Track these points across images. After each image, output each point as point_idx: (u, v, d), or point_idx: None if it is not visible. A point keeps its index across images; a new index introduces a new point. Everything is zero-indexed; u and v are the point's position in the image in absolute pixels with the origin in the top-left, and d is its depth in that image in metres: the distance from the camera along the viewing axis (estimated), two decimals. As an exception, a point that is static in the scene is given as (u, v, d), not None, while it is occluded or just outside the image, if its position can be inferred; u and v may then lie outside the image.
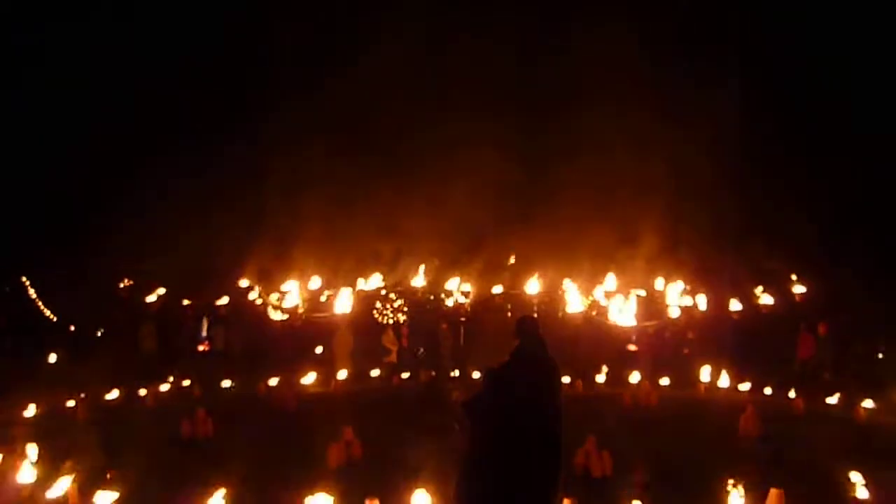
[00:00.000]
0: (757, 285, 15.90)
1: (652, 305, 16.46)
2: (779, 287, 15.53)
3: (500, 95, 20.20)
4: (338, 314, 16.26)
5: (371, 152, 20.29)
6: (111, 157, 20.90)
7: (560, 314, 17.32)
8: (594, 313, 17.11)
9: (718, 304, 16.38)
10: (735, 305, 15.94)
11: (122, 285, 17.42)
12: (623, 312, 15.56)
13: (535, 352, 5.72)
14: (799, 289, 15.24)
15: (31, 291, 20.19)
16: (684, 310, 16.10)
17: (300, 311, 17.43)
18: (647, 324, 15.56)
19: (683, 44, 19.77)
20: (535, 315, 14.88)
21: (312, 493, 6.60)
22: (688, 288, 17.15)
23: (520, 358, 5.70)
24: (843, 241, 17.72)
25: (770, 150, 19.56)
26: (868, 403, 11.74)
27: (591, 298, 18.37)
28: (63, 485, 7.06)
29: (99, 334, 17.61)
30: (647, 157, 18.72)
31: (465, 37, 19.97)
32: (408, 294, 18.80)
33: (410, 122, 20.08)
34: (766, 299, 15.48)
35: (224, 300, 17.73)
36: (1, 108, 21.43)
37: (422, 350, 16.25)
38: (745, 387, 13.73)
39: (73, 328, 18.37)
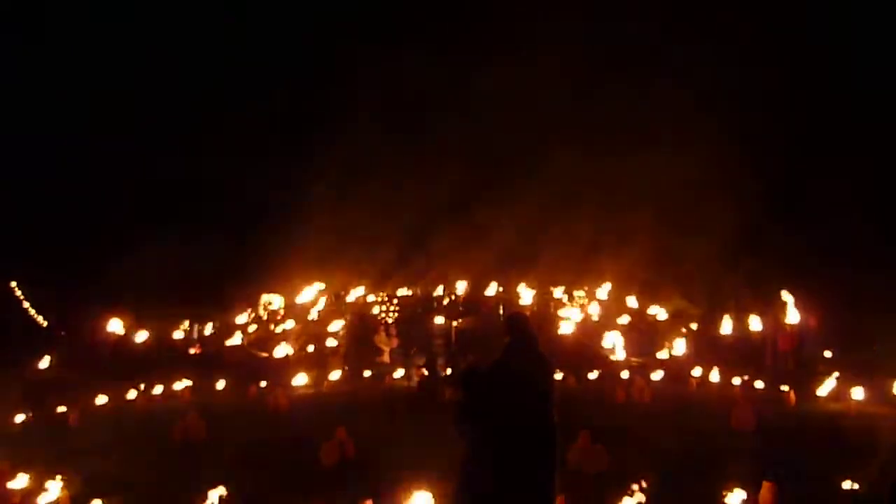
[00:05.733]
0: (749, 314, 15.79)
1: (643, 337, 16.33)
2: (773, 315, 15.45)
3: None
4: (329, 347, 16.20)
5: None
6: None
7: (553, 311, 17.36)
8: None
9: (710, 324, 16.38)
10: (725, 328, 15.93)
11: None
12: (614, 345, 15.50)
13: (526, 348, 5.70)
14: (793, 318, 15.06)
15: (21, 296, 20.04)
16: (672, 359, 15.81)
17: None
18: (635, 360, 15.45)
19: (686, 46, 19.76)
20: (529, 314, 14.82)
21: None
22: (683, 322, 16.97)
23: (511, 355, 5.69)
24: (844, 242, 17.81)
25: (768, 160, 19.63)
26: (859, 395, 11.79)
27: (580, 300, 18.42)
28: (54, 491, 7.01)
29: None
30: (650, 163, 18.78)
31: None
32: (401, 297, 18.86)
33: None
34: (755, 326, 15.44)
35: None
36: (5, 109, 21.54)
37: (414, 349, 16.24)
38: (736, 381, 13.79)
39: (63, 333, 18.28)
